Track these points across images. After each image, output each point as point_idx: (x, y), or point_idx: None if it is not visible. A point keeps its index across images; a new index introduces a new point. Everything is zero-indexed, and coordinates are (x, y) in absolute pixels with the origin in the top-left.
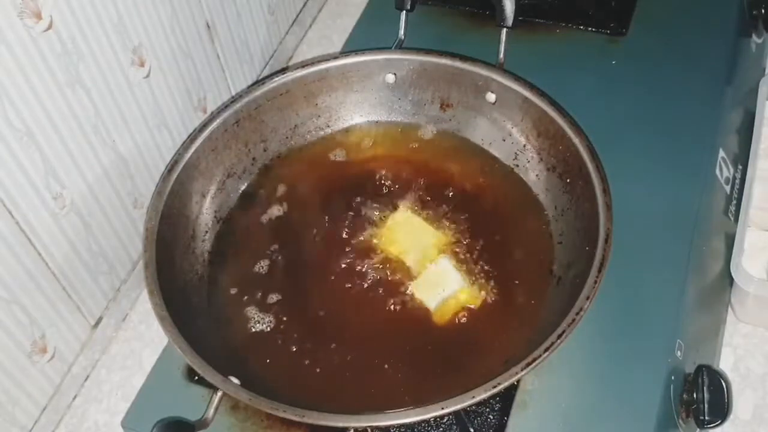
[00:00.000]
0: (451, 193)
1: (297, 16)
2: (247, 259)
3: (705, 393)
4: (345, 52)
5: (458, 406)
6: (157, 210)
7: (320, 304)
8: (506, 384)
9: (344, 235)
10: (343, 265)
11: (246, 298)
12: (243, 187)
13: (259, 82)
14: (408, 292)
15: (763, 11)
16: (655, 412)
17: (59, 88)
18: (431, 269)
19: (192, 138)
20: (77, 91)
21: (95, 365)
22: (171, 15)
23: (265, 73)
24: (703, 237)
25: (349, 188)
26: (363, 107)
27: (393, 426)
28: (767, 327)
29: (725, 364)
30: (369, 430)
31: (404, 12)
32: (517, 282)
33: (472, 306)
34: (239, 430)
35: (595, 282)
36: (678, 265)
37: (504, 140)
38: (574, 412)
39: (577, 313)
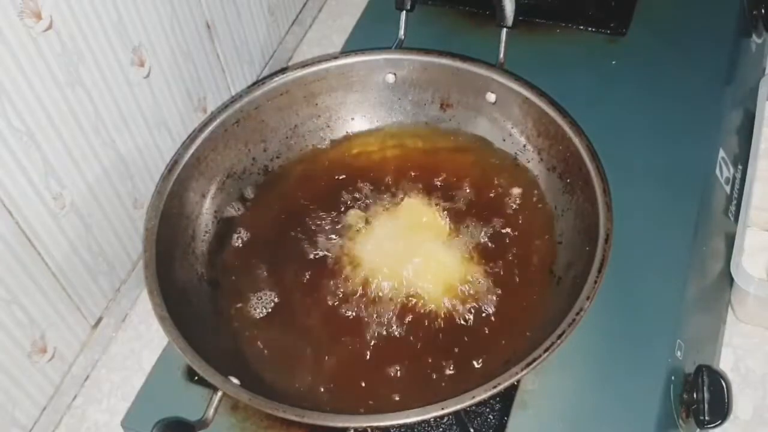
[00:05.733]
0: (450, 193)
1: (297, 16)
2: (247, 259)
3: (705, 393)
4: (345, 52)
5: (458, 406)
6: (157, 210)
7: (320, 303)
8: (506, 384)
9: (344, 234)
10: (344, 264)
11: (246, 297)
12: (243, 187)
13: (259, 82)
14: (408, 290)
15: (763, 11)
16: (655, 412)
17: (59, 88)
18: (427, 258)
19: (192, 138)
20: (77, 91)
21: (95, 365)
22: (171, 15)
23: (265, 73)
24: (703, 237)
25: (348, 188)
26: (363, 107)
27: (393, 426)
28: (767, 327)
29: (725, 364)
30: (369, 430)
31: (404, 12)
32: (517, 282)
33: (470, 287)
34: (239, 430)
35: (595, 282)
36: (678, 265)
37: (504, 140)
38: (574, 412)
39: (577, 313)
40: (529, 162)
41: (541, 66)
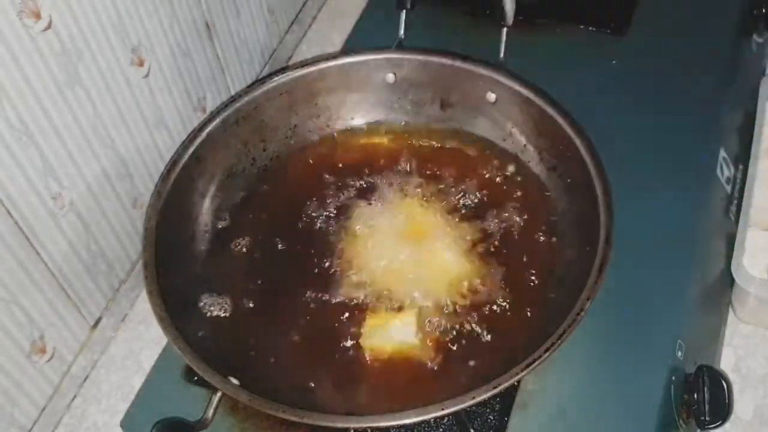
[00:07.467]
0: (450, 194)
1: (297, 15)
2: (247, 259)
3: (705, 393)
4: (345, 52)
5: (458, 407)
6: (157, 210)
7: (320, 304)
8: (506, 384)
9: (343, 234)
10: (343, 264)
11: (246, 298)
12: (243, 187)
13: (258, 82)
14: (407, 291)
15: (764, 11)
16: (655, 413)
17: (58, 87)
18: (426, 259)
19: (191, 138)
20: (76, 91)
21: (94, 365)
22: (171, 15)
23: (265, 72)
24: (703, 237)
25: (348, 188)
26: (363, 107)
27: (393, 426)
28: None
29: (726, 364)
30: (369, 430)
31: (404, 11)
32: (516, 282)
33: (469, 288)
34: (239, 430)
35: (595, 282)
36: (679, 265)
37: (504, 140)
38: (574, 412)
39: (578, 314)
40: (529, 162)
41: (541, 66)
